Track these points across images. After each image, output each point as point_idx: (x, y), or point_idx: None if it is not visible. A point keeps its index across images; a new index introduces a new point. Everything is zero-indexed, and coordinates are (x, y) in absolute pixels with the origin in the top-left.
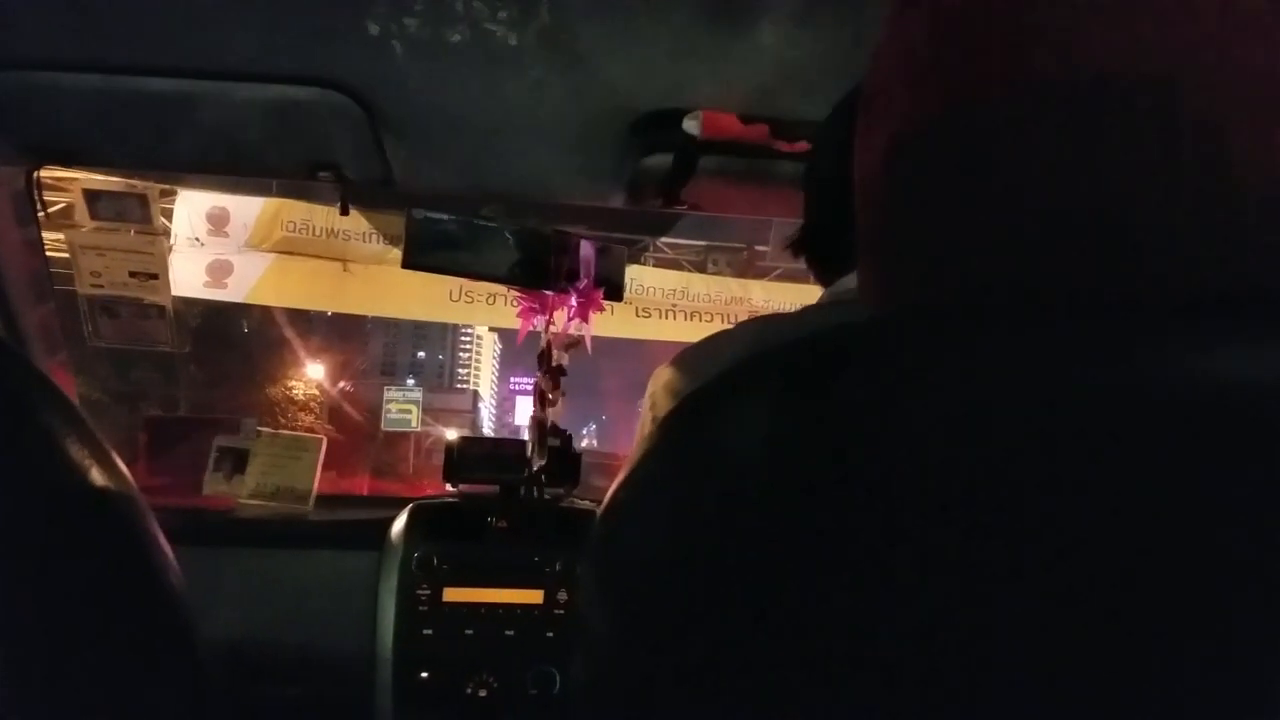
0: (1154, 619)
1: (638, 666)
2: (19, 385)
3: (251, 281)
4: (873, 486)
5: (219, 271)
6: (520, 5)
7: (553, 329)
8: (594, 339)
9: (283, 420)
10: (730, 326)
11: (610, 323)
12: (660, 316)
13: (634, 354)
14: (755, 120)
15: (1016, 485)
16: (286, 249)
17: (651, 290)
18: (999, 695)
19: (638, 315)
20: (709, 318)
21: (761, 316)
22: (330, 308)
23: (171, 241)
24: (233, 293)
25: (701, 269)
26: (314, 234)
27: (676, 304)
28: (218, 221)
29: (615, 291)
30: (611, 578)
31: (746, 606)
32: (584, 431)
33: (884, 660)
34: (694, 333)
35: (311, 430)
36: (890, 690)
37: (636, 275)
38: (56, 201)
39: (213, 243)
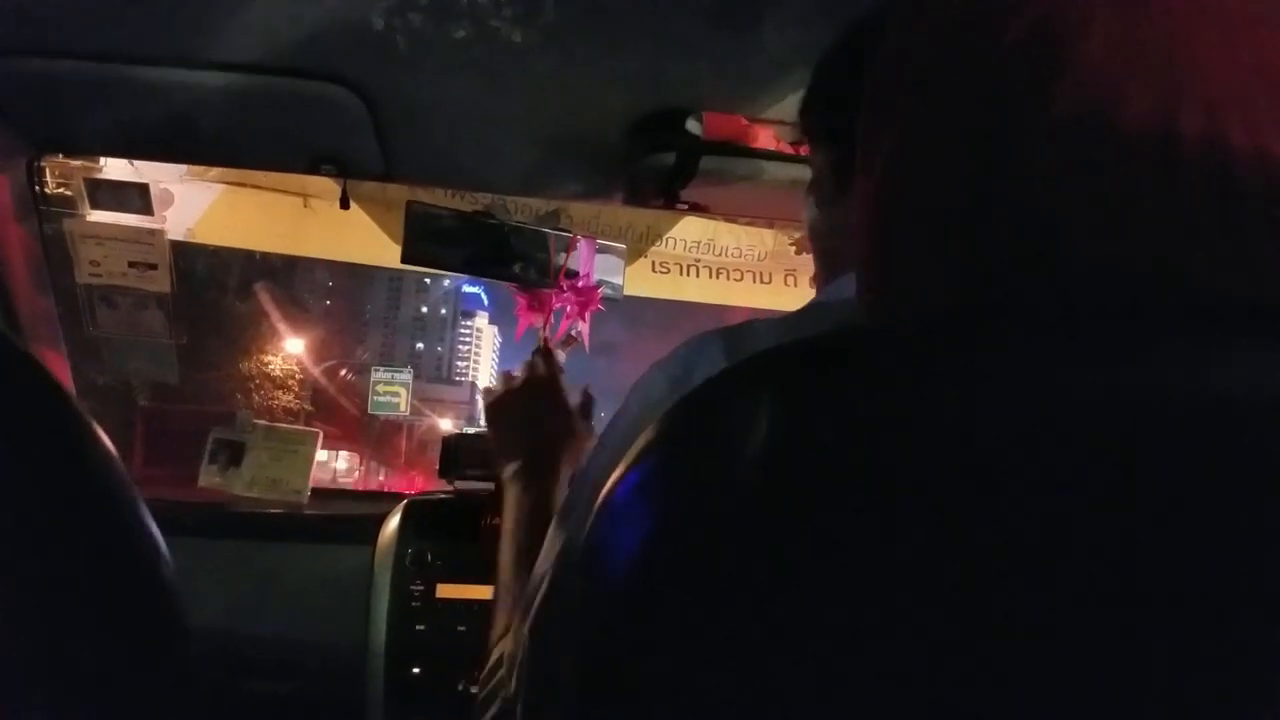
0: (1157, 628)
1: (628, 668)
2: (11, 373)
3: (195, 216)
4: (871, 492)
5: (156, 204)
6: (525, 2)
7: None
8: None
9: (274, 408)
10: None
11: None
12: (680, 272)
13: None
14: (758, 122)
15: (1015, 494)
16: (237, 179)
17: (670, 240)
18: (998, 701)
19: (654, 270)
20: (738, 275)
21: (749, 321)
22: (288, 250)
23: (101, 166)
24: (172, 228)
25: (732, 218)
26: None
27: (700, 258)
28: None
29: (616, 291)
30: (603, 579)
31: (740, 610)
32: None
33: (881, 668)
34: (719, 292)
35: (308, 423)
36: (888, 698)
37: (653, 222)
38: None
39: (149, 169)
